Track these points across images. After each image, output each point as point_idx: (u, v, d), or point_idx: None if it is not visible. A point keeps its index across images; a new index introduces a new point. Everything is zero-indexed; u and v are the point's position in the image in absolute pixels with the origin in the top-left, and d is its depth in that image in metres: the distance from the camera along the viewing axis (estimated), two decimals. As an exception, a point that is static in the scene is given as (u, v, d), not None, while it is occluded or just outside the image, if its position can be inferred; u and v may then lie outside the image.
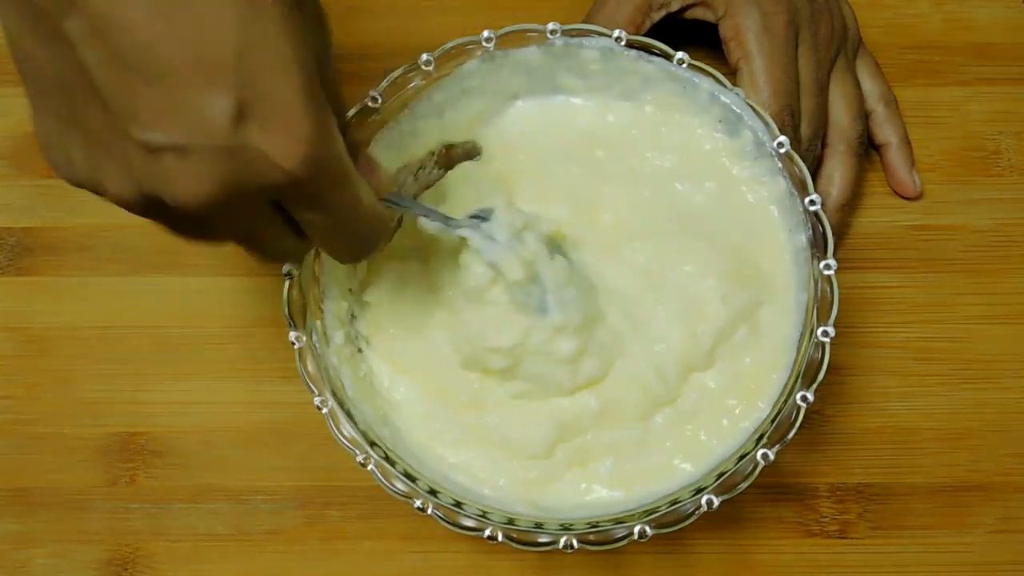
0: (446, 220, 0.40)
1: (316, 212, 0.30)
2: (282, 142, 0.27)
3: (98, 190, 0.29)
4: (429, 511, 0.37)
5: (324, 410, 0.38)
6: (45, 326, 0.48)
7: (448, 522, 0.37)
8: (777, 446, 0.37)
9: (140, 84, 0.26)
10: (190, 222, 0.30)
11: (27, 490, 0.46)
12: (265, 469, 0.46)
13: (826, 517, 0.45)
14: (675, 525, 0.37)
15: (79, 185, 0.29)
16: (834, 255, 0.39)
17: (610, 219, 0.44)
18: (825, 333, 0.38)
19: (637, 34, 0.47)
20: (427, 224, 0.40)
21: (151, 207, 0.29)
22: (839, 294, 0.39)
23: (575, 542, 0.37)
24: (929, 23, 0.54)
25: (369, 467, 0.37)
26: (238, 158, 0.27)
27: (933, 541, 0.45)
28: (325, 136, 0.28)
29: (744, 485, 0.37)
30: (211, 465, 0.46)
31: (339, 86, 0.33)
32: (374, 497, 0.45)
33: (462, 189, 0.44)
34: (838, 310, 0.39)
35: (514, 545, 0.37)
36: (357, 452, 0.38)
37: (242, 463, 0.46)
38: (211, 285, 0.49)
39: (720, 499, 0.37)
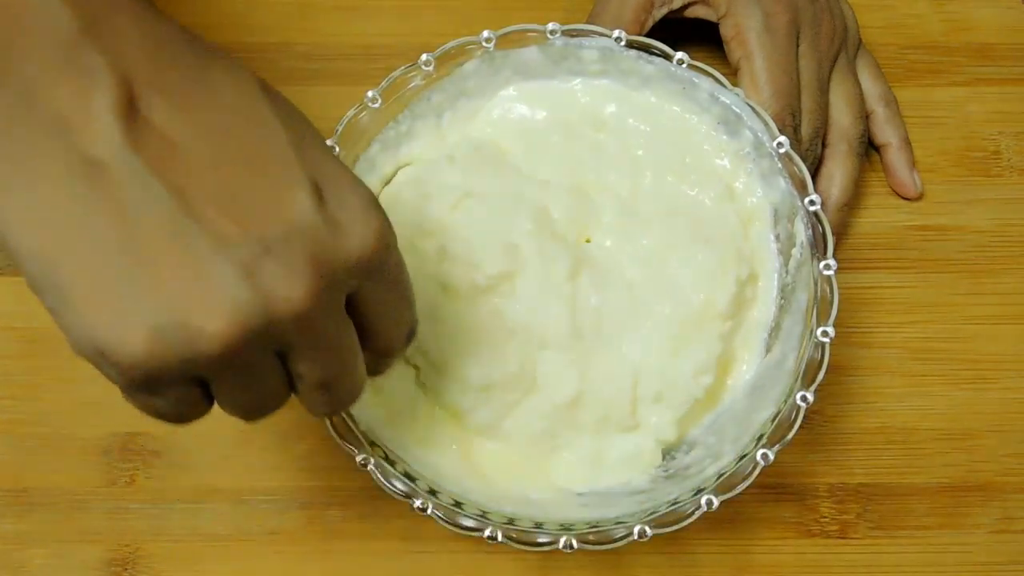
0: None
1: (390, 289, 0.29)
2: (361, 211, 0.27)
3: (194, 348, 0.25)
4: (429, 511, 0.37)
5: (324, 410, 0.38)
6: (45, 326, 0.48)
7: (448, 522, 0.37)
8: (777, 446, 0.37)
9: (221, 202, 0.25)
10: (291, 335, 0.26)
11: (27, 490, 0.46)
12: (265, 469, 0.46)
13: (826, 517, 0.45)
14: (675, 525, 0.37)
15: (168, 367, 0.25)
16: (834, 255, 0.39)
17: (611, 200, 0.43)
18: (825, 333, 0.38)
19: (641, 32, 0.47)
20: None
21: (256, 341, 0.25)
22: (839, 294, 0.39)
23: (575, 542, 0.37)
24: (929, 23, 0.54)
25: (369, 467, 0.37)
26: (331, 237, 0.26)
27: (933, 541, 0.45)
28: (377, 200, 0.28)
29: (744, 485, 0.37)
30: (211, 465, 0.46)
31: None
32: (374, 497, 0.45)
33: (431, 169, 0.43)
34: (838, 310, 0.39)
35: (514, 545, 0.37)
36: (357, 452, 0.38)
37: (242, 463, 0.46)
38: (211, 285, 0.49)
39: (720, 499, 0.37)
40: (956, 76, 0.53)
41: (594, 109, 0.45)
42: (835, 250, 0.39)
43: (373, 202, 0.28)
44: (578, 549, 0.37)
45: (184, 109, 0.25)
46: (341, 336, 0.28)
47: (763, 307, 0.42)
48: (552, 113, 0.45)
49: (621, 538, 0.37)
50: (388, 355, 0.32)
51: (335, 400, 0.30)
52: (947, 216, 0.50)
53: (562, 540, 0.37)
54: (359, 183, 0.28)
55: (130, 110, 0.24)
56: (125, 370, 0.25)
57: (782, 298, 0.42)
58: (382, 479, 0.38)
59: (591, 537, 0.37)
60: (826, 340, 0.38)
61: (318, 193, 0.26)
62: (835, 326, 0.38)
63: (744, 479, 0.37)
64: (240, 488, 0.46)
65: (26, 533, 0.45)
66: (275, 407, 0.29)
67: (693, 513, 0.37)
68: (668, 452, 0.41)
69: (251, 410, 0.29)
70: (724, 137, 0.44)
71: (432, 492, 0.38)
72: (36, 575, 0.44)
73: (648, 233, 0.42)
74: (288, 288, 0.25)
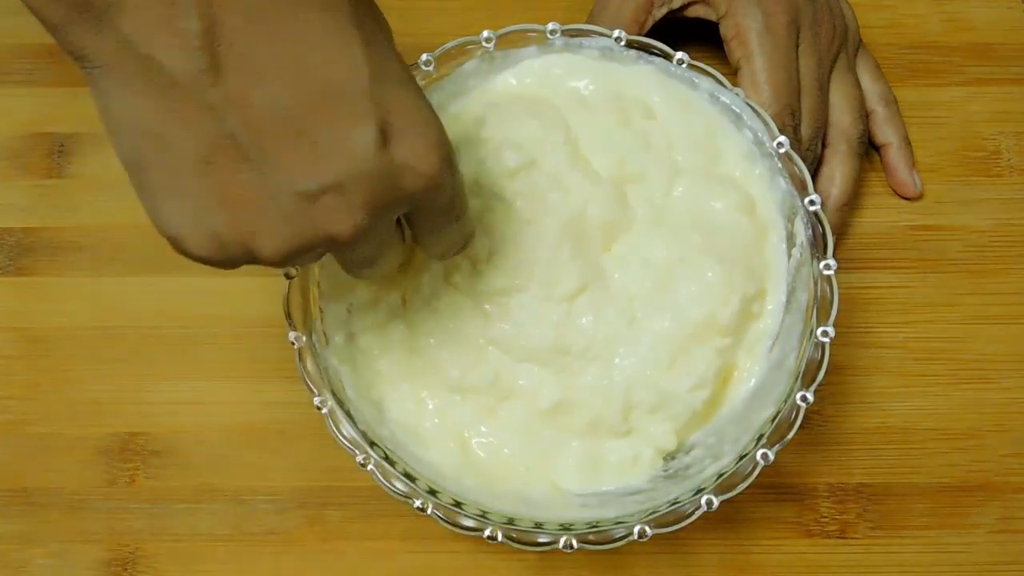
0: None
1: (439, 216, 0.32)
2: (423, 152, 0.28)
3: (251, 257, 0.29)
4: (429, 511, 0.37)
5: (324, 410, 0.38)
6: (45, 326, 0.49)
7: (448, 522, 0.37)
8: (777, 446, 0.37)
9: (289, 138, 0.26)
10: (341, 255, 0.31)
11: (27, 490, 0.46)
12: (265, 469, 0.46)
13: (826, 517, 0.45)
14: (675, 525, 0.37)
15: (229, 261, 0.29)
16: (834, 255, 0.39)
17: (646, 207, 0.43)
18: (825, 333, 0.38)
19: (641, 32, 0.47)
20: None
21: (304, 254, 0.29)
22: (839, 294, 0.39)
23: (575, 542, 0.37)
24: (929, 23, 0.54)
25: (369, 467, 0.37)
26: (388, 178, 0.28)
27: (933, 541, 0.45)
28: (445, 132, 0.29)
29: (744, 485, 0.37)
30: (211, 465, 0.46)
31: None
32: (374, 497, 0.45)
33: (500, 116, 0.42)
34: (838, 310, 0.39)
35: (514, 545, 0.37)
36: (357, 452, 0.38)
37: (242, 463, 0.46)
38: (211, 285, 0.49)
39: (720, 499, 0.37)
40: (956, 76, 0.53)
41: (640, 91, 0.44)
42: (835, 250, 0.39)
43: (437, 143, 0.29)
44: (578, 549, 0.37)
45: (266, 35, 0.26)
46: (382, 249, 0.31)
47: (770, 319, 0.42)
48: (596, 83, 0.44)
49: (621, 538, 0.37)
50: (438, 260, 0.37)
51: (360, 275, 0.34)
52: (947, 216, 0.50)
53: (562, 540, 0.37)
54: (429, 122, 0.29)
55: (211, 37, 0.25)
56: (189, 256, 0.29)
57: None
58: (382, 479, 0.38)
59: (591, 537, 0.37)
60: (826, 340, 0.38)
61: (384, 133, 0.27)
62: (835, 326, 0.38)
63: (744, 479, 0.37)
64: (240, 488, 0.46)
65: (26, 533, 0.45)
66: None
67: (693, 513, 0.37)
68: (668, 455, 0.41)
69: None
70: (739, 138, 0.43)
71: (432, 492, 0.38)
72: (36, 575, 0.44)
73: (665, 245, 0.42)
74: (340, 225, 0.28)
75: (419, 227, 0.33)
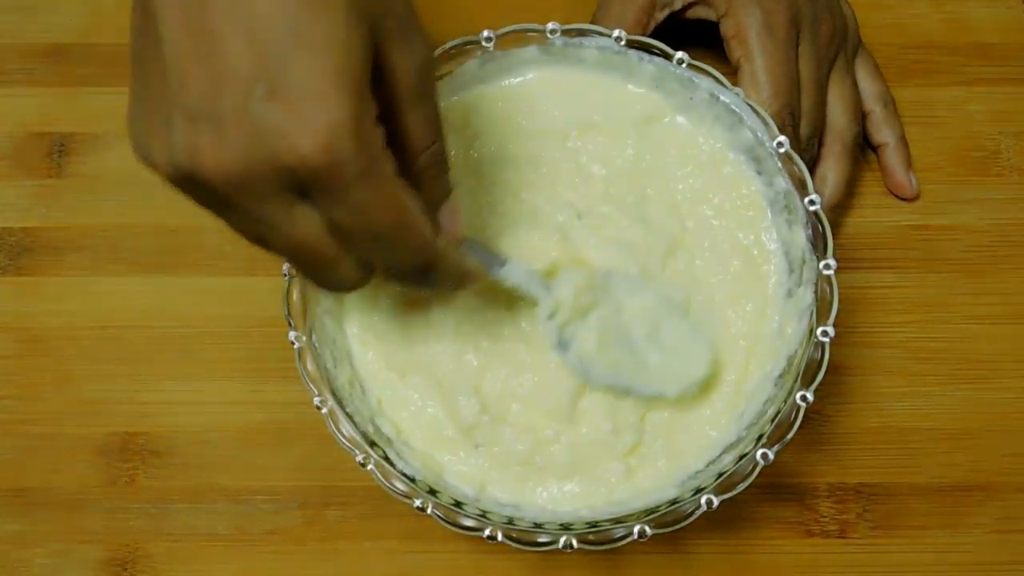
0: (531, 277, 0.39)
1: (340, 208, 0.29)
2: (303, 124, 0.27)
3: (148, 159, 0.30)
4: (429, 511, 0.37)
5: (324, 410, 0.38)
6: (45, 326, 0.48)
7: (448, 522, 0.37)
8: (777, 446, 0.37)
9: (194, 58, 0.28)
10: (218, 199, 0.30)
11: (27, 490, 0.46)
12: (265, 469, 0.46)
13: (826, 517, 0.45)
14: (675, 525, 0.37)
15: (141, 157, 0.30)
16: (833, 255, 0.39)
17: (660, 222, 0.44)
18: (825, 333, 0.38)
19: (643, 34, 0.47)
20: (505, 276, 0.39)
21: (186, 179, 0.29)
22: (839, 294, 0.39)
23: (575, 542, 0.37)
24: (929, 23, 0.54)
25: (369, 467, 0.37)
26: (261, 134, 0.27)
27: (933, 541, 0.45)
28: (353, 126, 0.27)
29: (743, 485, 0.37)
30: (211, 465, 0.46)
31: (433, 108, 0.33)
32: (374, 497, 0.45)
33: None
34: (838, 310, 0.39)
35: (514, 545, 0.37)
36: (357, 452, 0.38)
37: (242, 463, 0.46)
38: (211, 285, 0.49)
39: (720, 499, 0.37)
40: (956, 76, 0.53)
41: (652, 119, 0.45)
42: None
43: (326, 122, 0.28)
44: (578, 549, 0.37)
45: None
46: (271, 230, 0.31)
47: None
48: (606, 114, 0.45)
49: (621, 538, 0.37)
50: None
51: (308, 276, 0.34)
52: (947, 216, 0.50)
53: (562, 540, 0.37)
54: (327, 95, 0.28)
55: None
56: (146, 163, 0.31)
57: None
58: (382, 479, 0.38)
59: (591, 537, 0.37)
60: (826, 340, 0.38)
61: (272, 84, 0.27)
62: (835, 326, 0.38)
63: (744, 479, 0.37)
64: (240, 488, 0.46)
65: (26, 533, 0.45)
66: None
67: (693, 513, 0.37)
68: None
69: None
70: (724, 137, 0.44)
71: (432, 492, 0.38)
72: (36, 574, 0.44)
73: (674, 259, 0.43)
74: (207, 155, 0.28)
75: (329, 218, 0.30)
